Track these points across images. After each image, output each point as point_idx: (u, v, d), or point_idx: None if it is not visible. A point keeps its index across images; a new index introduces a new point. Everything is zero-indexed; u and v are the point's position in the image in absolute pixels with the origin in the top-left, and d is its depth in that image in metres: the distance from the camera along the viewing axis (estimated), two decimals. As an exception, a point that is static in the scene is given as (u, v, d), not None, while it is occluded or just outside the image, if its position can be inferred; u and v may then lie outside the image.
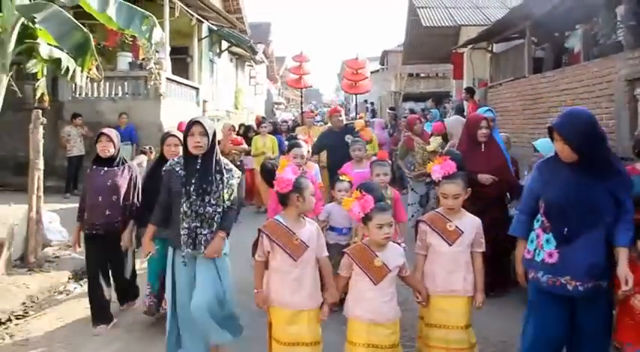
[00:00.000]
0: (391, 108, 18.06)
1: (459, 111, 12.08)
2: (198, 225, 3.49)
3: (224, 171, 3.58)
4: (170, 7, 12.44)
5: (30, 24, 6.56)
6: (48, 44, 6.89)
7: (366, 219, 3.25)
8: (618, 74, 6.76)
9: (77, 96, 11.60)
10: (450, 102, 16.31)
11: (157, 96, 11.29)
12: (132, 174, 4.58)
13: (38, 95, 7.66)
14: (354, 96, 15.35)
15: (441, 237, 3.48)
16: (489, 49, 12.97)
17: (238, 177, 3.83)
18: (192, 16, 13.58)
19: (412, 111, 17.46)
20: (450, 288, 3.45)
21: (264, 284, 3.33)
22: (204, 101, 14.98)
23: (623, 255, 2.79)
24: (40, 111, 6.57)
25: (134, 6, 6.97)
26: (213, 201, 3.51)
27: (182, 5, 12.50)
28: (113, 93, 11.54)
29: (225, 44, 18.47)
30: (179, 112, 11.54)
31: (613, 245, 2.82)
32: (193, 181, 3.50)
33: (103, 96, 11.59)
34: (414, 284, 3.48)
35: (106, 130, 4.57)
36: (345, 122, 7.62)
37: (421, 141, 7.40)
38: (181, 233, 3.49)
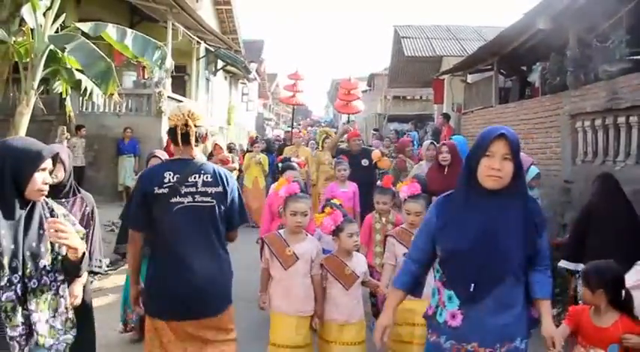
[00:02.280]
0: (375, 129, 19.12)
1: (436, 134, 13.19)
2: None
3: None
4: (172, 30, 13.43)
5: (57, 51, 7.57)
6: (70, 68, 7.87)
7: (338, 230, 3.67)
8: (563, 109, 7.85)
9: (84, 110, 12.43)
10: (428, 126, 17.41)
11: (159, 113, 12.21)
12: (85, 210, 3.33)
13: (68, 112, 8.43)
14: (341, 115, 16.06)
15: (407, 249, 3.60)
16: (463, 79, 14.11)
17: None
18: (193, 38, 14.57)
19: (396, 132, 18.55)
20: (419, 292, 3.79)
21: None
22: (200, 117, 15.90)
23: (545, 309, 2.32)
24: (65, 127, 7.50)
25: (147, 36, 8.00)
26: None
27: (184, 29, 13.48)
28: (117, 108, 12.45)
29: (220, 63, 19.48)
30: (178, 128, 12.47)
31: (531, 297, 2.34)
32: None
33: (107, 111, 12.43)
34: (372, 285, 3.90)
35: (56, 146, 3.04)
36: (362, 146, 7.51)
37: (413, 162, 7.71)
38: None
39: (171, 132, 2.87)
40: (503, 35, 9.77)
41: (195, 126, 2.85)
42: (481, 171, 2.24)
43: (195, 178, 2.82)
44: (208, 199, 2.82)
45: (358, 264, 3.73)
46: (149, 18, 14.38)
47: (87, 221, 3.28)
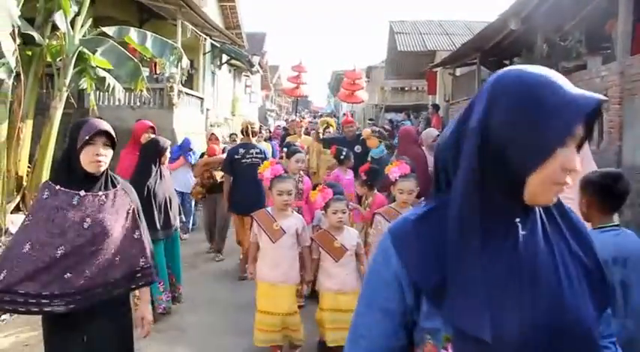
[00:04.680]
0: (370, 119, 20.14)
1: (428, 123, 14.25)
2: None
3: None
4: (181, 28, 14.41)
5: (85, 52, 8.60)
6: (95, 67, 8.90)
7: (326, 206, 3.96)
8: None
9: (100, 104, 13.46)
10: (422, 115, 18.45)
11: (171, 106, 13.24)
12: (129, 207, 2.59)
13: (91, 106, 9.49)
14: (342, 105, 16.70)
15: None
16: (451, 72, 15.13)
17: None
18: (200, 35, 15.56)
19: (391, 122, 19.56)
20: None
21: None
22: (207, 109, 16.96)
23: None
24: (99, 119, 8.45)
25: (165, 38, 9.05)
26: None
27: (192, 27, 14.48)
28: (132, 102, 13.49)
29: (225, 57, 20.50)
30: (188, 120, 13.54)
31: None
32: None
33: (123, 104, 13.46)
34: (363, 262, 4.03)
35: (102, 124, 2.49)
36: (355, 133, 7.89)
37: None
38: None
39: (243, 131, 6.51)
40: (483, 34, 10.80)
41: (252, 128, 6.37)
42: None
43: (251, 151, 6.08)
44: (257, 160, 5.85)
45: (349, 238, 3.95)
46: (158, 16, 15.27)
47: (133, 221, 2.56)
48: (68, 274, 2.28)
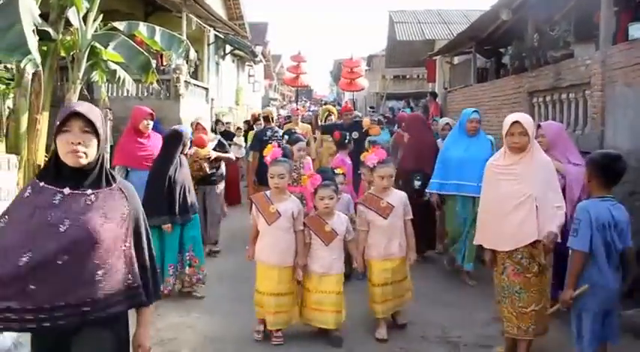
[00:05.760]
0: (371, 107, 20.56)
1: (426, 110, 14.66)
2: None
3: None
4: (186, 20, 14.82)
5: (97, 46, 9.03)
6: (106, 60, 9.35)
7: (315, 192, 4.06)
8: (524, 87, 9.30)
9: (110, 95, 13.89)
10: (421, 102, 18.85)
11: (177, 96, 13.67)
12: (125, 212, 2.15)
13: (102, 97, 9.95)
14: (344, 94, 16.88)
15: (376, 213, 4.10)
16: (448, 60, 15.51)
17: None
18: (205, 27, 15.95)
19: (392, 109, 20.00)
20: (390, 252, 4.10)
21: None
22: (212, 99, 17.40)
23: None
24: (108, 110, 8.98)
25: (173, 32, 9.48)
26: None
27: (197, 20, 14.87)
28: (140, 93, 13.93)
29: (228, 48, 20.89)
30: (194, 109, 13.99)
31: None
32: None
33: (131, 95, 13.91)
34: (353, 251, 4.18)
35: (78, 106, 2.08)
36: (353, 119, 8.19)
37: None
38: None
39: (264, 117, 8.43)
40: (477, 24, 11.20)
41: (272, 116, 8.26)
42: None
43: (275, 134, 7.34)
44: (280, 140, 6.70)
45: (339, 223, 4.05)
46: (162, 8, 15.59)
47: (126, 228, 2.12)
48: (31, 286, 1.87)
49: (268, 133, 7.42)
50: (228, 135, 11.05)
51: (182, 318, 4.51)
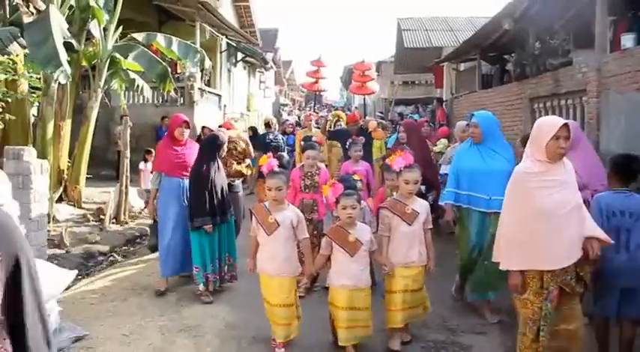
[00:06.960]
0: (380, 112, 20.94)
1: (433, 116, 15.03)
2: None
3: None
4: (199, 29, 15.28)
5: (116, 56, 9.51)
6: (126, 69, 9.83)
7: (337, 202, 3.88)
8: (525, 94, 9.66)
9: (127, 102, 14.39)
10: (429, 108, 19.21)
11: (191, 103, 14.14)
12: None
13: (121, 105, 10.41)
14: (354, 98, 16.95)
15: (401, 219, 3.95)
16: (454, 67, 15.88)
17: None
18: (217, 35, 16.43)
19: (400, 115, 20.35)
20: (410, 260, 3.95)
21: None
22: (224, 105, 17.87)
23: None
24: (127, 117, 9.42)
25: (188, 43, 9.94)
26: None
27: (210, 29, 15.35)
28: (156, 100, 14.41)
29: (240, 55, 21.38)
30: (207, 116, 14.44)
31: None
32: None
33: (146, 102, 14.41)
34: (380, 259, 3.99)
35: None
36: (359, 127, 8.26)
37: (429, 142, 7.99)
38: None
39: (265, 124, 10.56)
40: (481, 32, 11.57)
41: (272, 122, 10.25)
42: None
43: (276, 137, 9.72)
44: (279, 144, 9.05)
45: (362, 233, 3.89)
46: (176, 17, 16.03)
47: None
48: None
49: (270, 136, 9.67)
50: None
51: (205, 309, 4.93)
